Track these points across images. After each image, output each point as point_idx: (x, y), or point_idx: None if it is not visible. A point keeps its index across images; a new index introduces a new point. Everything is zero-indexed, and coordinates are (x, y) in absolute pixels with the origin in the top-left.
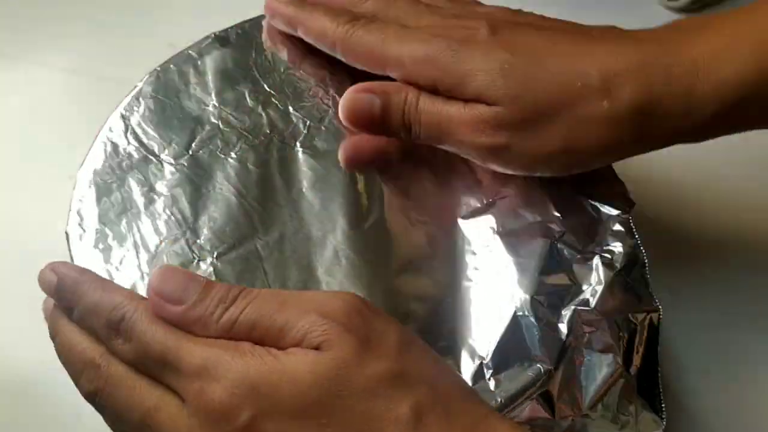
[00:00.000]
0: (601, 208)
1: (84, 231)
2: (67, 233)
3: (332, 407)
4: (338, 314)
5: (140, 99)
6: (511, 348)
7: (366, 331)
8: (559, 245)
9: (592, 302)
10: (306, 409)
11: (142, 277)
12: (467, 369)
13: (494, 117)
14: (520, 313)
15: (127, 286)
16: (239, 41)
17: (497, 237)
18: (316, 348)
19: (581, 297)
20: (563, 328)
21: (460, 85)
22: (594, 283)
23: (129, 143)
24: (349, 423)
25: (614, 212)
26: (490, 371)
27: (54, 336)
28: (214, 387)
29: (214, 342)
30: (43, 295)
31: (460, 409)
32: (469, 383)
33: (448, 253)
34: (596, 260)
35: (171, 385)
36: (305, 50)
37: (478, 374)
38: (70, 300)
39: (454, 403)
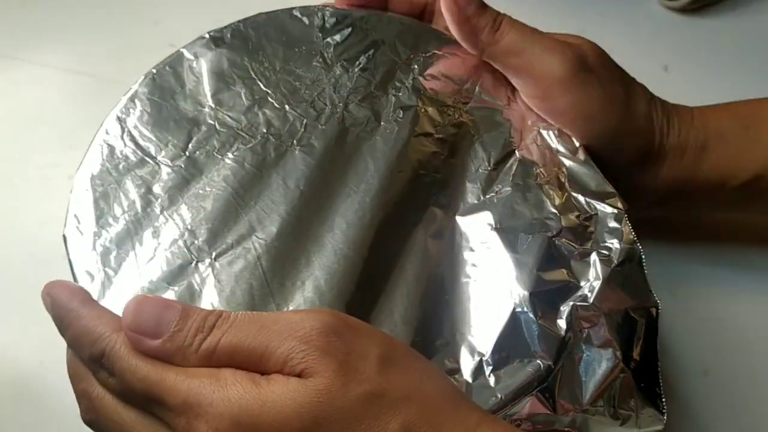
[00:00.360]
0: (598, 206)
1: (81, 234)
2: (64, 236)
3: None
4: (317, 337)
5: (136, 101)
6: (510, 344)
7: (346, 350)
8: (556, 242)
9: (591, 298)
10: None
11: (141, 280)
12: (467, 366)
13: None
14: (519, 310)
15: (125, 288)
16: (234, 41)
17: (495, 233)
18: (298, 375)
19: (579, 293)
20: (562, 324)
21: None
22: (592, 279)
23: (125, 145)
24: None
25: (610, 210)
26: (490, 368)
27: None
28: (198, 423)
29: (195, 372)
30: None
31: (450, 420)
32: (469, 380)
33: (446, 251)
34: (593, 256)
35: (160, 418)
36: None
37: (478, 371)
38: (60, 328)
39: (444, 414)
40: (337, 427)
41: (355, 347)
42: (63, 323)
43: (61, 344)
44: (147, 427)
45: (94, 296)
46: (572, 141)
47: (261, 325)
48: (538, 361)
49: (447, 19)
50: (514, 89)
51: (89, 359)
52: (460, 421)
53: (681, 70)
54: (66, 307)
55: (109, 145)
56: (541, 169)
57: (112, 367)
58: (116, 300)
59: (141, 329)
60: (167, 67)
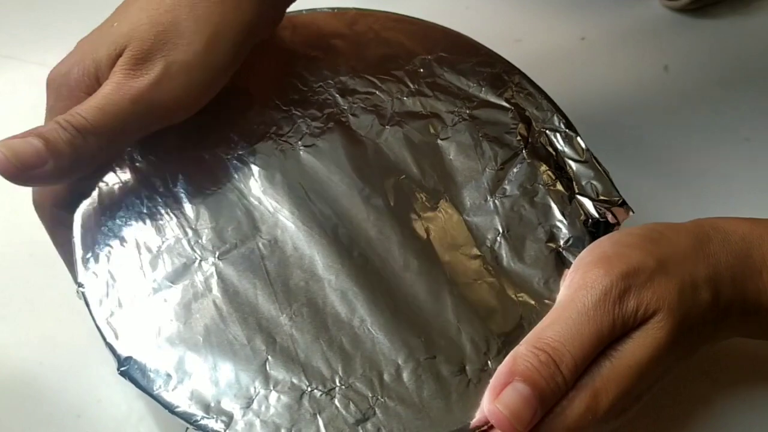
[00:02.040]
0: (607, 214)
1: (86, 232)
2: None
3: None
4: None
5: None
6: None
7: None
8: (564, 253)
9: None
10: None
11: (145, 278)
12: (472, 366)
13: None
14: (525, 318)
15: (128, 286)
16: None
17: (502, 239)
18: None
19: None
20: None
21: None
22: None
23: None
24: None
25: (612, 219)
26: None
27: None
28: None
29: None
30: (46, 294)
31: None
32: (474, 380)
33: (452, 251)
34: None
35: None
36: None
37: (483, 372)
38: None
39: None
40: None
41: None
42: None
43: (61, 344)
44: None
45: (98, 295)
46: (578, 143)
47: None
48: None
49: None
50: None
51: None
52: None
53: (681, 70)
54: None
55: None
56: (549, 172)
57: None
58: (120, 299)
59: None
60: None
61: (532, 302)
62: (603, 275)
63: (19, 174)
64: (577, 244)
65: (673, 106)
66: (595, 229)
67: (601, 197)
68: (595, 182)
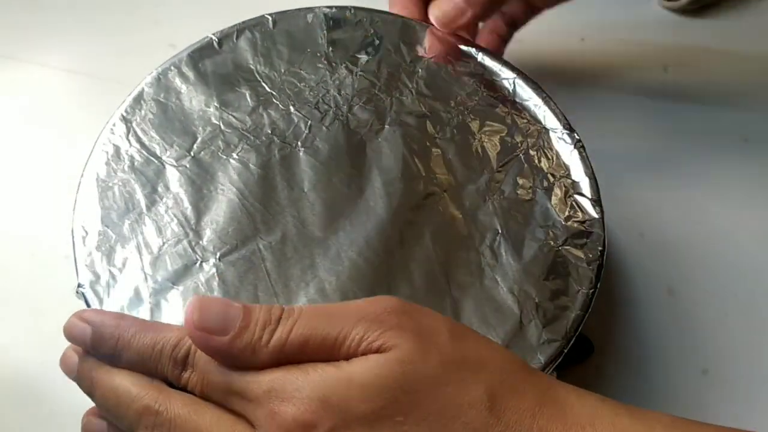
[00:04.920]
0: (596, 214)
1: (86, 233)
2: (72, 235)
3: (405, 403)
4: (387, 317)
5: (141, 101)
6: (516, 351)
7: (418, 327)
8: (562, 251)
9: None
10: (380, 411)
11: (145, 279)
12: None
13: None
14: (524, 317)
15: (129, 287)
16: (239, 42)
17: (501, 239)
18: (376, 351)
19: (583, 300)
20: (569, 332)
21: None
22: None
23: (131, 145)
24: (425, 415)
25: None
26: None
27: (93, 388)
28: (285, 407)
29: (276, 368)
30: (46, 294)
31: (524, 382)
32: None
33: (452, 252)
34: (597, 262)
35: (241, 413)
36: None
37: None
38: (115, 347)
39: (519, 378)
40: (424, 393)
41: (425, 324)
42: (123, 339)
43: (62, 344)
44: (223, 427)
45: (99, 295)
46: (578, 143)
47: (329, 314)
48: (543, 370)
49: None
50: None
51: (171, 363)
52: (534, 383)
53: (681, 70)
54: (122, 325)
55: (114, 144)
56: (547, 171)
57: (196, 364)
58: (121, 300)
59: (208, 327)
60: (172, 67)
61: (531, 300)
62: None
63: None
64: (575, 243)
65: (672, 106)
66: (591, 228)
67: (595, 196)
68: (592, 181)
